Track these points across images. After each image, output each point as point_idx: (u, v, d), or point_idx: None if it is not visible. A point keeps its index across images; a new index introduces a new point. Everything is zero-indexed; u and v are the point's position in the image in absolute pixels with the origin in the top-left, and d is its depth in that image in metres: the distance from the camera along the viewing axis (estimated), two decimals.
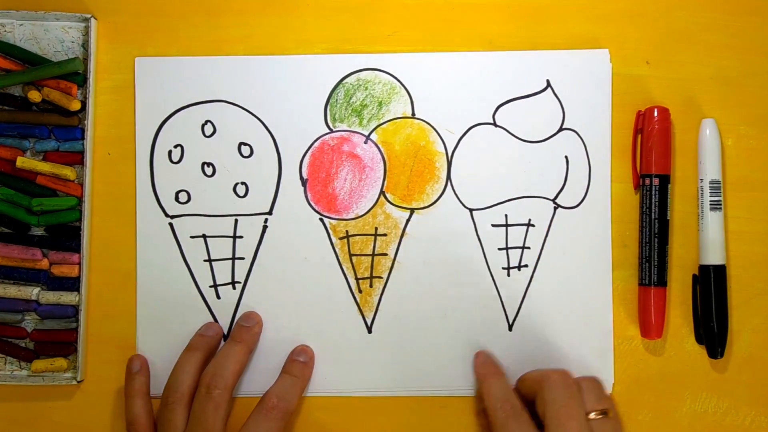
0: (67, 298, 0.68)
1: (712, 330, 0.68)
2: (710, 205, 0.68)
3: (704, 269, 0.69)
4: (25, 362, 0.69)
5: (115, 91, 0.70)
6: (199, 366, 0.67)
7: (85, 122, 0.68)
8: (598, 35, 0.70)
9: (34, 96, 0.67)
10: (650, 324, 0.68)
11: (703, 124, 0.69)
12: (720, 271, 0.68)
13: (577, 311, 0.69)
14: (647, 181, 0.68)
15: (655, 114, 0.68)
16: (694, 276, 0.69)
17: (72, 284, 0.69)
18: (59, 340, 0.69)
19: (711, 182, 0.68)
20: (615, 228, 0.70)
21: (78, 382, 0.68)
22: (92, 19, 0.68)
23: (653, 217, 0.68)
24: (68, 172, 0.68)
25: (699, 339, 0.69)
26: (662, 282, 0.68)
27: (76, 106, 0.68)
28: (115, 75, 0.70)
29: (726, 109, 0.70)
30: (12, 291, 0.68)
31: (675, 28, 0.70)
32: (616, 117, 0.70)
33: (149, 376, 0.69)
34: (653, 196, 0.68)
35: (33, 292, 0.68)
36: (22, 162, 0.68)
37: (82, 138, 0.68)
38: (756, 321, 0.70)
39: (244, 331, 0.68)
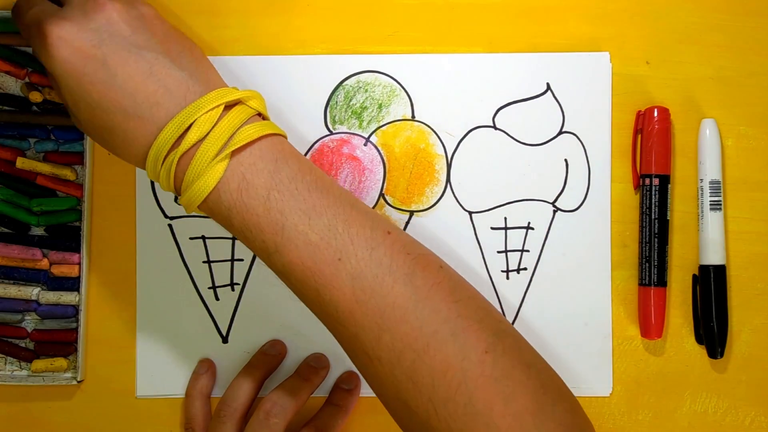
0: (67, 298, 0.68)
1: (712, 330, 0.68)
2: (710, 205, 0.68)
3: (704, 269, 0.69)
4: (25, 362, 0.69)
5: None
6: (256, 384, 0.67)
7: None
8: (598, 35, 0.70)
9: (35, 97, 0.67)
10: (650, 324, 0.68)
11: (703, 124, 0.69)
12: (720, 271, 0.68)
13: (577, 313, 0.69)
14: (647, 181, 0.68)
15: (655, 114, 0.68)
16: (694, 276, 0.69)
17: (72, 284, 0.69)
18: (59, 340, 0.69)
19: (711, 182, 0.68)
20: (615, 228, 0.70)
21: (78, 382, 0.68)
22: None
23: (653, 217, 0.68)
24: (68, 173, 0.68)
25: (699, 339, 0.69)
26: (662, 282, 0.68)
27: None
28: None
29: (726, 109, 0.70)
30: (12, 291, 0.68)
31: (675, 28, 0.70)
32: (616, 117, 0.70)
33: (215, 381, 0.70)
34: (653, 197, 0.68)
35: (33, 292, 0.68)
36: (22, 162, 0.68)
37: (82, 138, 0.68)
38: (756, 321, 0.70)
39: (312, 372, 0.68)
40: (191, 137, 0.55)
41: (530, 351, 0.58)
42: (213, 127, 0.55)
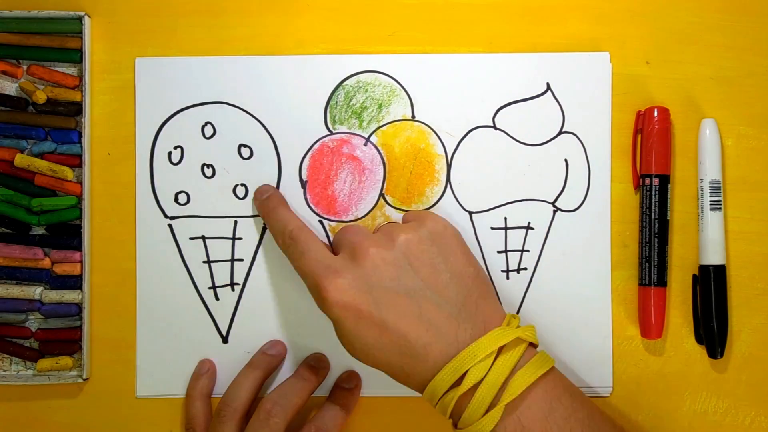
0: (70, 296, 0.68)
1: (712, 330, 0.68)
2: (710, 205, 0.68)
3: (704, 269, 0.68)
4: (30, 362, 0.69)
5: (115, 91, 0.70)
6: (257, 384, 0.68)
7: (83, 122, 0.68)
8: (598, 35, 0.70)
9: (40, 97, 0.68)
10: (650, 324, 0.68)
11: (703, 124, 0.69)
12: (720, 271, 0.68)
13: (577, 313, 0.69)
14: (647, 181, 0.68)
15: (655, 114, 0.68)
16: (694, 276, 0.69)
17: (74, 282, 0.69)
18: (64, 339, 0.69)
19: (711, 182, 0.68)
20: (615, 228, 0.70)
21: (84, 380, 0.68)
22: (86, 17, 0.68)
23: (653, 217, 0.68)
24: (67, 171, 0.68)
25: (699, 339, 0.69)
26: (662, 282, 0.68)
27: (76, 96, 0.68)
28: (115, 75, 0.70)
29: (726, 109, 0.70)
30: (15, 291, 0.68)
31: (675, 28, 0.70)
32: (616, 117, 0.70)
33: (215, 381, 0.70)
34: (653, 196, 0.68)
35: (36, 291, 0.68)
36: (20, 159, 0.68)
37: (79, 141, 0.69)
38: (756, 321, 0.70)
39: (312, 372, 0.69)
40: (468, 382, 0.57)
41: None
42: (487, 372, 0.58)
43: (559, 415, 0.58)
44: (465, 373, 0.57)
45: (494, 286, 0.69)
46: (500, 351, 0.58)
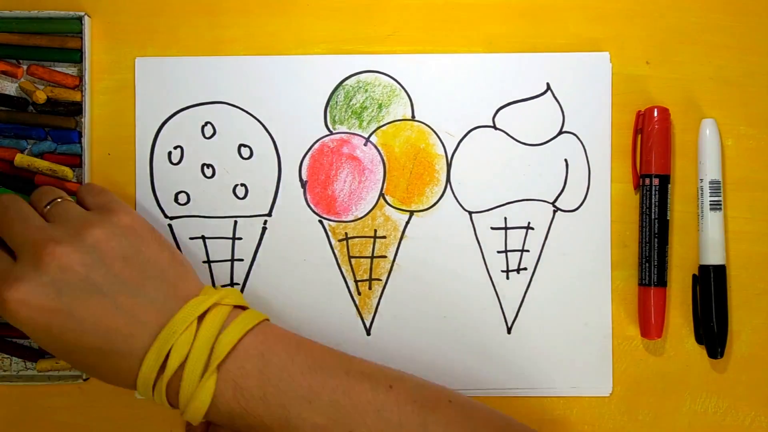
0: None
1: (712, 330, 0.68)
2: (710, 205, 0.68)
3: (704, 269, 0.69)
4: (30, 362, 0.69)
5: (115, 91, 0.70)
6: None
7: (83, 122, 0.68)
8: (598, 35, 0.70)
9: (40, 97, 0.68)
10: (650, 324, 0.68)
11: (703, 124, 0.69)
12: (720, 271, 0.68)
13: (577, 313, 0.69)
14: (647, 181, 0.68)
15: (655, 114, 0.68)
16: (694, 276, 0.69)
17: None
18: None
19: (711, 182, 0.68)
20: (615, 228, 0.70)
21: (84, 380, 0.68)
22: (85, 17, 0.68)
23: (653, 217, 0.68)
24: (67, 171, 0.68)
25: (699, 339, 0.69)
26: (662, 282, 0.68)
27: (76, 96, 0.68)
28: (115, 75, 0.70)
29: (726, 109, 0.70)
30: None
31: (675, 28, 0.70)
32: (616, 117, 0.70)
33: None
34: (653, 196, 0.68)
35: None
36: (20, 159, 0.68)
37: (79, 141, 0.68)
38: (756, 321, 0.70)
39: None
40: (173, 363, 0.55)
41: None
42: (192, 344, 0.56)
43: (274, 366, 0.57)
44: (169, 354, 0.55)
45: (494, 286, 0.69)
46: (201, 321, 0.57)
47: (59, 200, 0.62)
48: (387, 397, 0.57)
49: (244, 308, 0.60)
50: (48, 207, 0.61)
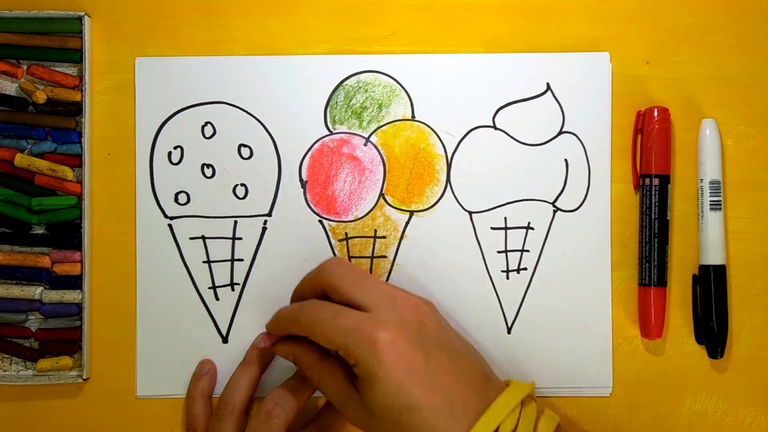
0: (70, 296, 0.68)
1: (712, 330, 0.68)
2: (710, 205, 0.68)
3: (704, 269, 0.69)
4: (31, 362, 0.69)
5: (115, 91, 0.70)
6: (254, 380, 0.68)
7: (83, 122, 0.68)
8: (598, 36, 0.70)
9: (40, 97, 0.68)
10: (650, 324, 0.68)
11: (703, 124, 0.69)
12: (720, 271, 0.68)
13: (577, 313, 0.69)
14: (647, 181, 0.68)
15: (655, 114, 0.68)
16: (694, 276, 0.69)
17: (74, 282, 0.69)
18: (64, 339, 0.69)
19: (711, 182, 0.68)
20: (615, 228, 0.70)
21: (84, 380, 0.68)
22: (86, 17, 0.68)
23: (653, 217, 0.68)
24: (67, 171, 0.68)
25: (699, 339, 0.69)
26: (662, 282, 0.68)
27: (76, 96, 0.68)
28: (115, 75, 0.70)
29: (726, 109, 0.70)
30: (15, 291, 0.68)
31: (675, 28, 0.70)
32: (616, 117, 0.70)
33: (215, 382, 0.70)
34: (653, 196, 0.68)
35: (36, 291, 0.68)
36: (20, 159, 0.68)
37: (79, 141, 0.68)
38: (756, 321, 0.70)
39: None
40: None
41: None
42: (517, 424, 0.58)
43: None
44: (498, 427, 0.57)
45: (494, 286, 0.70)
46: (522, 404, 0.59)
47: None
48: None
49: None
50: None
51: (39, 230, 0.69)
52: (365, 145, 0.69)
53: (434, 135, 0.69)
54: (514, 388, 0.59)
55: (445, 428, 0.56)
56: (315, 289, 0.63)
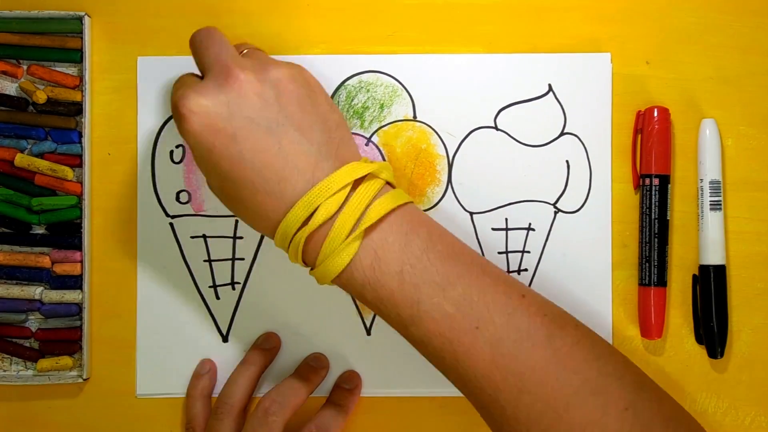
0: (70, 296, 0.68)
1: (712, 330, 0.68)
2: (710, 205, 0.68)
3: (704, 269, 0.69)
4: (31, 362, 0.69)
5: (116, 91, 0.70)
6: (253, 380, 0.68)
7: (83, 122, 0.68)
8: (598, 36, 0.70)
9: (40, 97, 0.68)
10: (650, 324, 0.68)
11: (703, 124, 0.69)
12: (720, 271, 0.68)
13: (577, 313, 0.68)
14: (647, 181, 0.68)
15: (655, 114, 0.68)
16: (694, 276, 0.69)
17: (75, 282, 0.69)
18: (64, 339, 0.69)
19: (711, 182, 0.68)
20: (615, 228, 0.70)
21: (84, 380, 0.68)
22: (86, 17, 0.68)
23: (653, 217, 0.68)
24: (67, 171, 0.68)
25: (699, 339, 0.69)
26: (662, 282, 0.68)
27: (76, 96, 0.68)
28: (116, 75, 0.70)
29: (726, 109, 0.70)
30: (15, 291, 0.68)
31: (675, 28, 0.70)
32: (616, 117, 0.70)
33: (215, 381, 0.70)
34: (653, 196, 0.68)
35: (36, 291, 0.68)
36: (20, 159, 0.68)
37: (80, 141, 0.68)
38: (756, 321, 0.70)
39: (312, 372, 0.69)
40: (319, 218, 0.55)
41: (670, 402, 0.58)
42: (342, 205, 0.56)
43: (416, 246, 0.57)
44: (317, 209, 0.55)
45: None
46: (356, 186, 0.57)
47: (252, 48, 0.64)
48: (519, 304, 0.56)
49: (392, 186, 0.60)
50: (244, 52, 0.62)
51: (39, 230, 0.69)
52: (367, 145, 0.69)
53: (435, 135, 0.69)
54: (348, 168, 0.57)
55: (265, 205, 0.57)
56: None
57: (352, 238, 0.55)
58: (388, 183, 0.60)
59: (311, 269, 0.58)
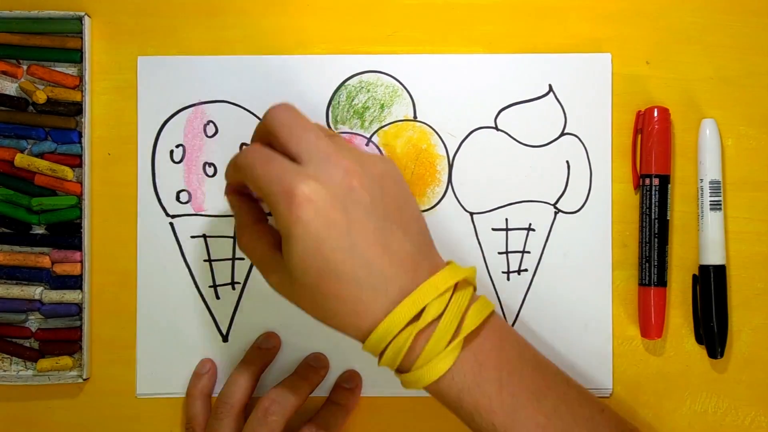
0: (70, 296, 0.68)
1: (712, 330, 0.68)
2: (710, 205, 0.68)
3: (704, 269, 0.69)
4: (31, 362, 0.69)
5: (116, 91, 0.70)
6: (253, 380, 0.67)
7: (83, 122, 0.68)
8: (598, 36, 0.70)
9: (40, 97, 0.68)
10: (650, 324, 0.68)
11: (703, 124, 0.69)
12: (720, 271, 0.68)
13: (577, 314, 0.69)
14: (647, 181, 0.68)
15: (655, 114, 0.68)
16: (694, 276, 0.69)
17: (74, 282, 0.69)
18: (64, 339, 0.69)
19: (711, 182, 0.68)
20: (615, 228, 0.70)
21: (84, 380, 0.68)
22: (86, 17, 0.68)
23: (653, 217, 0.68)
24: (67, 171, 0.68)
25: (699, 339, 0.69)
26: (662, 282, 0.68)
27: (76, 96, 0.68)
28: (116, 75, 0.70)
29: (726, 109, 0.70)
30: (15, 291, 0.68)
31: (675, 28, 0.70)
32: (616, 117, 0.70)
33: (215, 381, 0.70)
34: (653, 196, 0.68)
35: (36, 291, 0.68)
36: (20, 159, 0.68)
37: (79, 141, 0.68)
38: (756, 321, 0.70)
39: (312, 371, 0.68)
40: (428, 316, 0.54)
41: None
42: (446, 308, 0.55)
43: (510, 354, 0.57)
44: (423, 309, 0.54)
45: (495, 287, 0.70)
46: (455, 289, 0.56)
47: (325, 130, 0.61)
48: (601, 418, 0.59)
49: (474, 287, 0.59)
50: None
51: (39, 230, 0.69)
52: (367, 145, 0.69)
53: (436, 135, 0.69)
54: (448, 270, 0.56)
55: (366, 302, 0.54)
56: (261, 136, 0.58)
57: (456, 343, 0.54)
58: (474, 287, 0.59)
59: (402, 373, 0.56)
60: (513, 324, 0.69)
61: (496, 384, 0.56)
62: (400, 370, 0.56)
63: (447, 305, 0.55)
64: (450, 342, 0.54)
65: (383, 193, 0.56)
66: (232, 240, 0.69)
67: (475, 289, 0.58)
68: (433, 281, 0.55)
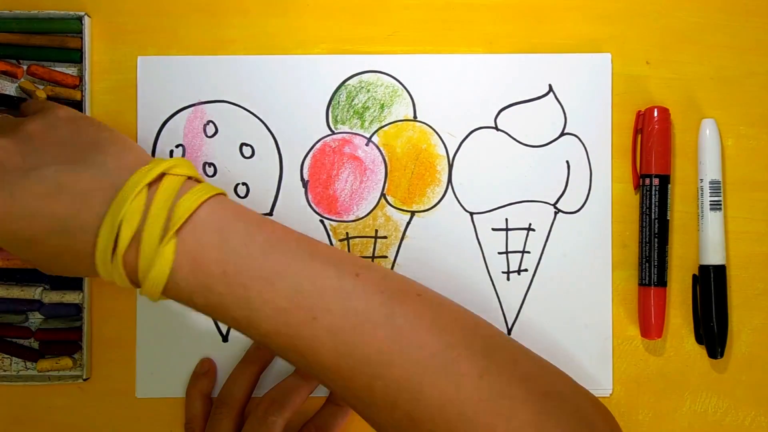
0: (71, 296, 0.68)
1: (712, 330, 0.68)
2: (710, 205, 0.68)
3: (704, 269, 0.69)
4: (31, 362, 0.69)
5: (116, 90, 0.69)
6: (253, 379, 0.67)
7: None
8: (598, 36, 0.70)
9: (40, 96, 0.67)
10: (650, 324, 0.68)
11: (703, 124, 0.69)
12: (720, 271, 0.68)
13: (577, 314, 0.69)
14: (647, 181, 0.68)
15: (655, 114, 0.68)
16: (694, 276, 0.69)
17: (74, 282, 0.69)
18: (64, 339, 0.69)
19: (711, 182, 0.68)
20: (615, 228, 0.70)
21: (84, 380, 0.68)
22: (86, 17, 0.68)
23: (653, 217, 0.68)
24: None
25: (699, 339, 0.69)
26: (662, 282, 0.68)
27: (76, 95, 0.68)
28: (116, 75, 0.70)
29: (726, 109, 0.70)
30: (15, 291, 0.68)
31: (675, 28, 0.70)
32: (616, 117, 0.70)
33: (215, 381, 0.69)
34: (653, 196, 0.68)
35: (36, 291, 0.68)
36: None
37: None
38: (756, 321, 0.70)
39: None
40: (126, 232, 0.52)
41: (526, 360, 0.56)
42: (145, 213, 0.52)
43: (234, 242, 0.53)
44: (121, 224, 0.52)
45: (495, 288, 0.70)
46: (154, 190, 0.53)
47: None
48: (354, 286, 0.53)
49: (198, 181, 0.56)
50: None
51: None
52: (367, 145, 0.69)
53: (436, 135, 0.69)
54: (139, 175, 0.53)
55: (73, 245, 0.53)
56: None
57: (162, 245, 0.52)
58: (191, 178, 0.56)
59: (141, 286, 0.54)
60: (513, 324, 0.69)
61: (221, 279, 0.52)
62: (139, 286, 0.54)
63: (146, 209, 0.52)
64: (159, 243, 0.52)
65: (35, 146, 0.55)
66: None
67: (195, 179, 0.56)
68: (119, 195, 0.52)
